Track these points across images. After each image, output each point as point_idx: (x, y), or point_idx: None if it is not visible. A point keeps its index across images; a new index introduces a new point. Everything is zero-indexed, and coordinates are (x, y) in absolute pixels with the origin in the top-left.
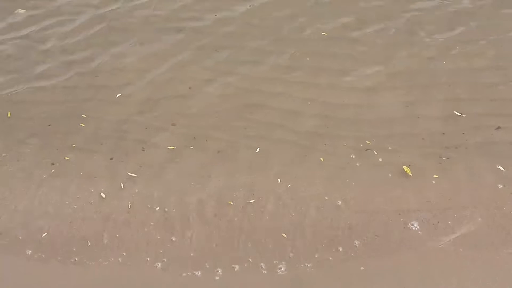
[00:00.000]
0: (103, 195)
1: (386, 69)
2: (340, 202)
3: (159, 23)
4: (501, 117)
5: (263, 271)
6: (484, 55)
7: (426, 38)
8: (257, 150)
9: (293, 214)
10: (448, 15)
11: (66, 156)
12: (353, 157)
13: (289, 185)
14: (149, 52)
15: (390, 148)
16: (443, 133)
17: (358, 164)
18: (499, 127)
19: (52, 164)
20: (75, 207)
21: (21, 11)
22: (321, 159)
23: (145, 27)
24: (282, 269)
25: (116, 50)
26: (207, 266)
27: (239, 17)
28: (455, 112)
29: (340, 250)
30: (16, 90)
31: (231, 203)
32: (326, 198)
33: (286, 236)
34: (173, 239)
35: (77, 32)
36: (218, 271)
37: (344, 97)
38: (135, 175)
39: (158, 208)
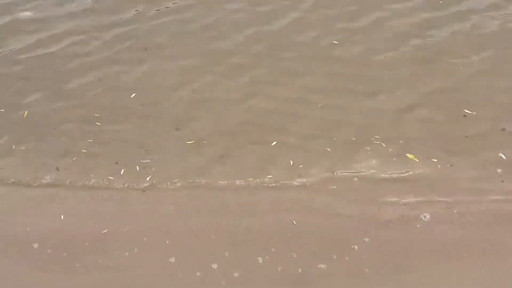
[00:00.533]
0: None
1: None
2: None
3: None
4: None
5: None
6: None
7: None
8: (273, 143)
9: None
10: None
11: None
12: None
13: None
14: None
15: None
16: (447, 132)
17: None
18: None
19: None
20: None
21: (27, 13)
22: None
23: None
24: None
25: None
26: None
27: None
28: (465, 110)
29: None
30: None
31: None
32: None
33: (295, 223)
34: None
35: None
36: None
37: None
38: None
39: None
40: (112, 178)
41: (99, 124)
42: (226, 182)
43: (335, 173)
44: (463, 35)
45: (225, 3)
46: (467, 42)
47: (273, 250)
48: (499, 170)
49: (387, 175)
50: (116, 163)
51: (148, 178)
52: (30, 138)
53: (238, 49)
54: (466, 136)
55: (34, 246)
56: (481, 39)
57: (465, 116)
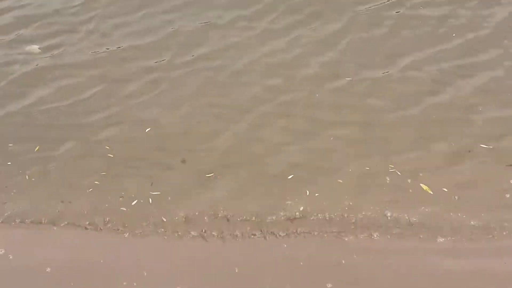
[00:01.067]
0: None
1: None
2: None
3: None
4: None
5: None
6: None
7: None
8: (290, 177)
9: None
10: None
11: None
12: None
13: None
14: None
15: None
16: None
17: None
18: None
19: (62, 202)
20: None
21: (34, 47)
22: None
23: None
24: None
25: None
26: None
27: None
28: (482, 145)
29: None
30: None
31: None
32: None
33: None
34: None
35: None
36: None
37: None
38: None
39: None
40: (125, 209)
41: (112, 156)
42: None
43: None
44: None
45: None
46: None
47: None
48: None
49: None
50: (121, 197)
51: (157, 213)
52: (43, 170)
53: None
54: None
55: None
56: None
57: None
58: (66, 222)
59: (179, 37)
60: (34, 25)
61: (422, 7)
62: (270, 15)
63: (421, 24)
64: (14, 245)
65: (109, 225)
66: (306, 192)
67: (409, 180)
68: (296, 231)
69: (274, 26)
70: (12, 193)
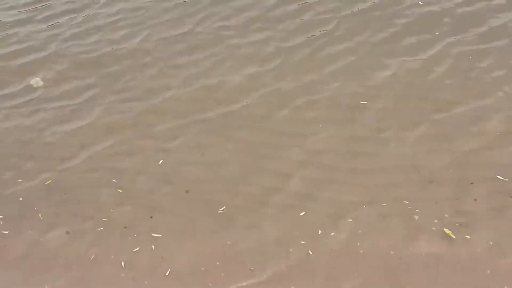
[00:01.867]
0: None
1: None
2: None
3: None
4: None
5: None
6: None
7: None
8: (302, 214)
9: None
10: None
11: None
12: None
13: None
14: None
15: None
16: (457, 199)
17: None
18: None
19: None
20: None
21: (39, 82)
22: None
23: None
24: None
25: None
26: None
27: None
28: (498, 176)
29: None
30: None
31: None
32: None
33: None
34: None
35: None
36: None
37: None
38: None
39: None
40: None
41: (120, 191)
42: None
43: None
44: None
45: None
46: None
47: None
48: None
49: None
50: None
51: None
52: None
53: None
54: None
55: None
56: None
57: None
58: None
59: None
60: None
61: None
62: None
63: None
64: None
65: None
66: (318, 232)
67: None
68: None
69: None
70: None
